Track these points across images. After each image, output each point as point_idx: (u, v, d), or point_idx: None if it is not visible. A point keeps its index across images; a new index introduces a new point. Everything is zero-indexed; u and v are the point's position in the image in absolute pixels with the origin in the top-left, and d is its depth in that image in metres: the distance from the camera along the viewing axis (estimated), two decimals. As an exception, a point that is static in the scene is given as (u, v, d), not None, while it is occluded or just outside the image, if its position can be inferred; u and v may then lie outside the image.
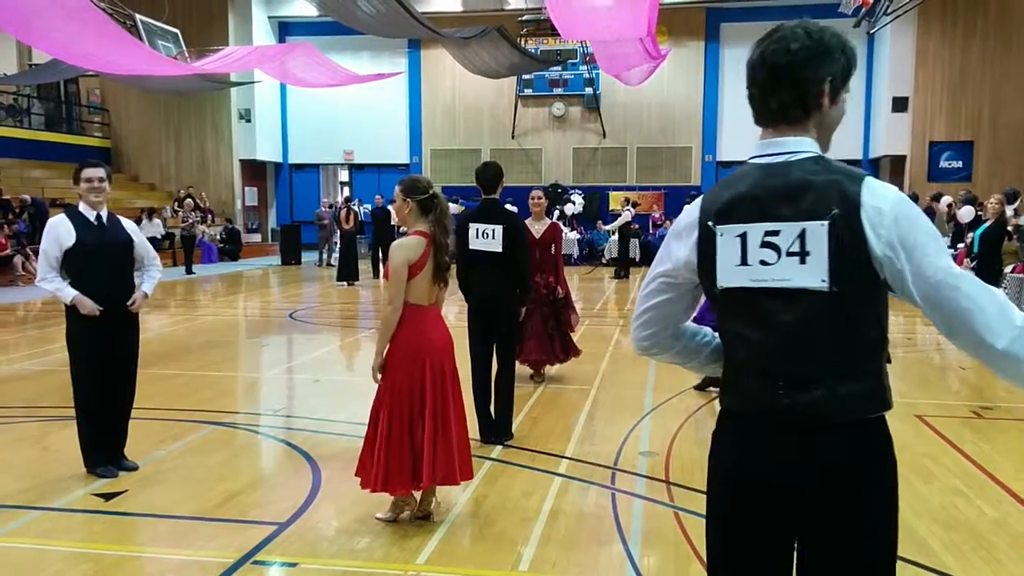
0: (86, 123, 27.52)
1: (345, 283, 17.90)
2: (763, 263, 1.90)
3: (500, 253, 5.95)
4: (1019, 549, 4.20)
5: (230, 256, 24.11)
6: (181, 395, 7.52)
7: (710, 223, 1.97)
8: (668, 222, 23.22)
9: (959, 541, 4.29)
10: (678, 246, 2.05)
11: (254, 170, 27.70)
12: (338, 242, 19.38)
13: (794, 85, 1.92)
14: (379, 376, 4.40)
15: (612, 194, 25.85)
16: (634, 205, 20.99)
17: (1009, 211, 14.66)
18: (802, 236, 1.86)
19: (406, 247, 4.35)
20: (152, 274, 5.56)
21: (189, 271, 20.27)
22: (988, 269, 10.30)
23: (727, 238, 1.94)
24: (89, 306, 5.11)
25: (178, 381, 8.13)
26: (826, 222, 1.83)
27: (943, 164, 23.02)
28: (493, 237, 5.95)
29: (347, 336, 11.67)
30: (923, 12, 21.75)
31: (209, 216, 24.79)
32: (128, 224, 5.50)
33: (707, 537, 2.10)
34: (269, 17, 26.98)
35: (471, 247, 5.99)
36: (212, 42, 21.70)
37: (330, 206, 23.48)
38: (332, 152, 28.08)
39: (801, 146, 1.94)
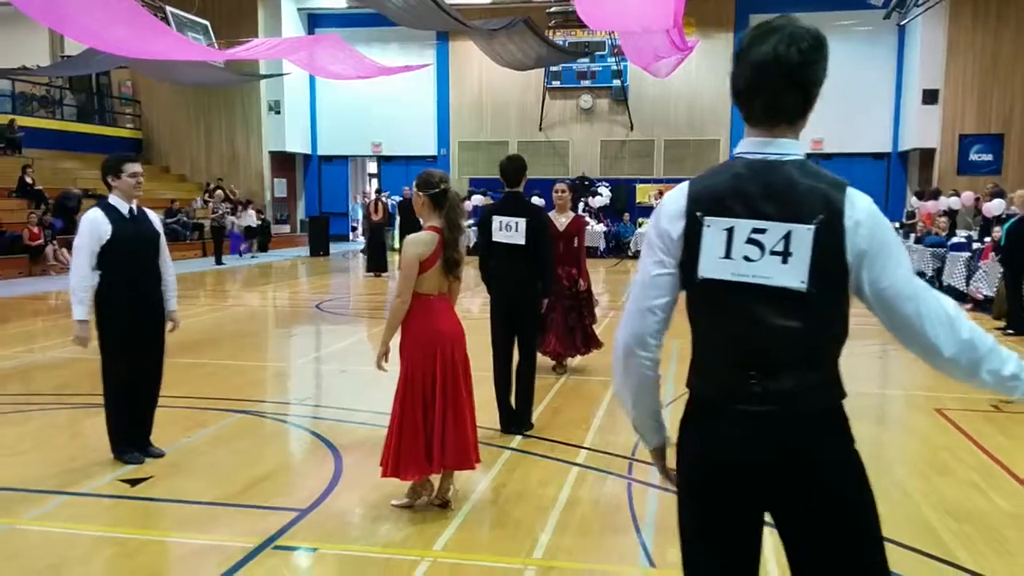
0: (118, 114, 27.91)
1: (373, 274, 18.04)
2: (746, 259, 1.97)
3: (523, 246, 5.99)
4: (1033, 544, 4.20)
5: (260, 247, 24.34)
6: (208, 384, 7.66)
7: (698, 213, 2.02)
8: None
9: (971, 533, 4.30)
10: (670, 229, 2.06)
11: (283, 162, 27.93)
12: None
13: (804, 85, 1.97)
14: (384, 365, 4.53)
15: (639, 187, 25.79)
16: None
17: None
18: (787, 237, 1.94)
19: (418, 243, 4.43)
20: (170, 282, 5.55)
21: (219, 262, 20.50)
22: (1015, 264, 10.20)
23: (714, 230, 2.00)
24: (82, 337, 5.24)
25: (206, 370, 8.27)
26: (812, 227, 1.91)
27: (973, 157, 22.68)
28: (516, 230, 6.00)
29: (374, 327, 11.77)
30: (954, 3, 21.46)
31: (239, 207, 25.04)
32: (153, 216, 5.60)
33: (680, 521, 2.17)
34: (298, 9, 27.15)
35: (494, 239, 6.05)
36: (241, 34, 21.88)
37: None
38: (361, 144, 28.25)
39: (791, 148, 2.00)
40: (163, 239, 5.59)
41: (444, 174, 4.70)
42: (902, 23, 19.90)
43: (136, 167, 5.39)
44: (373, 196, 20.02)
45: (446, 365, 4.51)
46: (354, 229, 29.05)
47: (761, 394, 1.97)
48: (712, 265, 2.00)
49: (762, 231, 1.95)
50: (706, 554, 2.12)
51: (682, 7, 10.97)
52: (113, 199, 5.34)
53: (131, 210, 5.38)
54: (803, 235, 1.92)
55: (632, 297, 2.17)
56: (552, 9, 22.80)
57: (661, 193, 21.09)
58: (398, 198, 22.09)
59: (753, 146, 2.03)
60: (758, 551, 2.12)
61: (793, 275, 1.93)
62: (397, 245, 21.85)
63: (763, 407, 1.97)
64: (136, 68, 20.83)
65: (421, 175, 4.66)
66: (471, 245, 6.18)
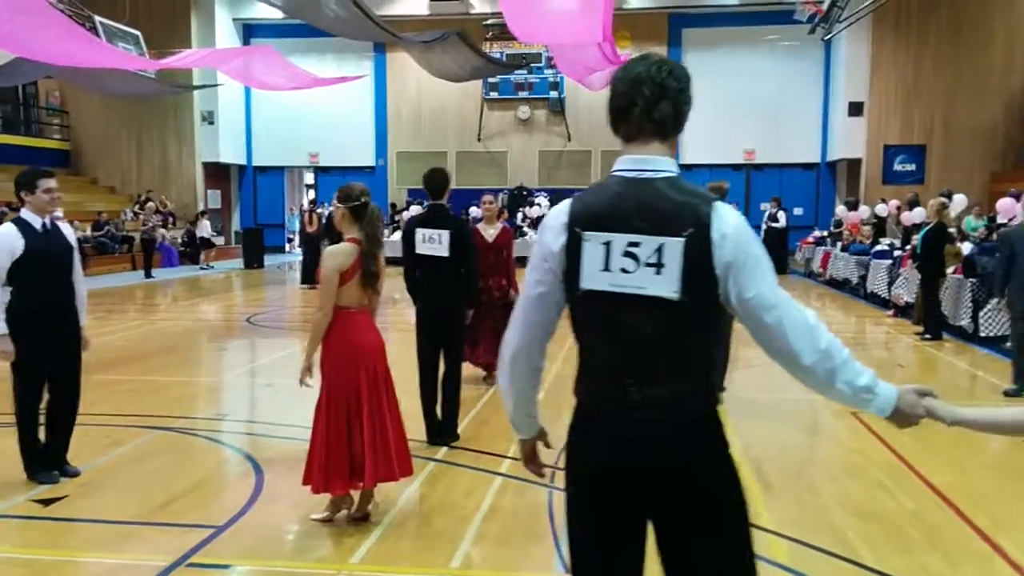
0: (45, 125, 27.21)
1: (308, 286, 17.89)
2: (623, 271, 2.07)
3: (447, 258, 6.04)
4: (931, 539, 4.38)
5: (191, 260, 23.92)
6: (130, 401, 7.52)
7: (578, 229, 2.12)
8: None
9: (874, 532, 4.47)
10: (552, 244, 2.16)
11: (217, 173, 27.52)
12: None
13: (675, 103, 2.12)
14: (308, 380, 4.52)
15: (576, 197, 26.00)
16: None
17: (954, 212, 15.00)
18: (660, 249, 2.04)
19: (338, 254, 4.46)
20: (81, 298, 5.46)
21: (148, 275, 20.11)
22: (930, 270, 10.57)
23: (593, 244, 2.10)
24: (6, 351, 5.12)
25: (128, 387, 8.12)
26: (682, 239, 2.02)
27: (897, 167, 23.45)
28: (440, 242, 6.04)
29: (305, 339, 11.65)
30: (877, 19, 22.16)
31: (171, 219, 24.61)
32: (67, 230, 5.52)
33: (568, 523, 2.25)
34: (233, 19, 26.83)
35: (418, 251, 6.08)
36: (174, 44, 21.52)
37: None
38: (297, 155, 28.00)
39: (665, 165, 2.12)
40: (76, 253, 5.51)
41: (365, 187, 4.73)
42: (826, 38, 20.46)
43: (50, 183, 5.30)
44: (308, 207, 19.88)
45: (370, 380, 4.53)
46: (290, 240, 28.79)
47: (638, 401, 2.07)
48: (592, 277, 2.10)
49: (637, 244, 2.06)
50: (592, 557, 2.21)
51: (611, 21, 11.13)
52: (26, 214, 5.26)
53: (44, 225, 5.29)
54: (674, 247, 2.02)
55: (518, 309, 2.26)
56: (489, 21, 22.92)
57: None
58: (330, 209, 22.03)
59: (629, 163, 2.14)
60: (642, 556, 2.20)
61: (666, 285, 2.03)
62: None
63: (640, 414, 2.07)
64: (64, 79, 20.37)
65: (342, 188, 4.70)
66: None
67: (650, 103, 2.10)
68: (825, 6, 17.81)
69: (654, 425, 2.06)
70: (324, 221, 21.42)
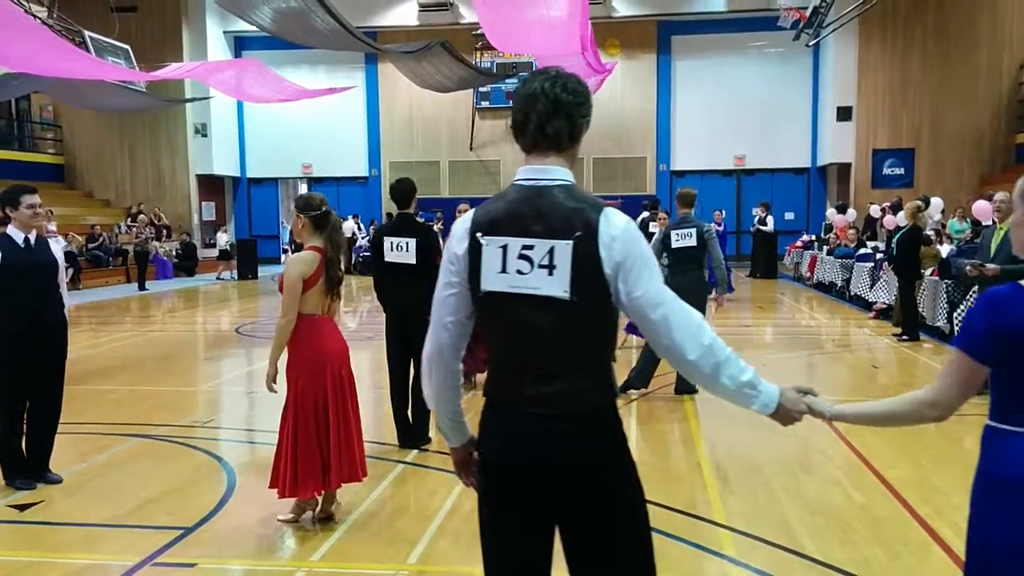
0: (39, 140, 27.39)
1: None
2: (519, 272, 2.20)
3: (414, 265, 6.19)
4: (875, 531, 4.51)
5: (186, 272, 24.09)
6: (114, 409, 7.67)
7: (478, 234, 2.25)
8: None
9: (821, 524, 4.61)
10: (456, 249, 2.29)
11: (211, 185, 27.68)
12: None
13: (569, 117, 2.24)
14: (274, 385, 4.65)
15: (568, 204, 26.09)
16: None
17: (937, 215, 15.16)
18: (551, 252, 2.17)
19: (301, 262, 4.60)
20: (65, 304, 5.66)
21: (142, 287, 20.26)
22: (905, 272, 10.72)
23: (491, 248, 2.23)
24: None
25: (113, 396, 8.27)
26: (571, 242, 2.15)
27: (886, 171, 23.59)
28: (407, 250, 6.20)
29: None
30: (864, 24, 22.32)
31: (165, 232, 24.78)
32: (55, 246, 5.68)
33: (479, 516, 2.37)
34: (224, 32, 27.00)
35: (386, 260, 6.24)
36: (166, 58, 21.72)
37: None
38: (290, 166, 28.15)
39: (559, 175, 2.24)
40: (61, 269, 5.66)
41: (323, 196, 4.89)
42: (810, 44, 20.64)
43: (33, 199, 5.44)
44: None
45: (336, 384, 4.68)
46: (285, 251, 28.96)
47: (535, 397, 2.20)
48: (492, 279, 2.23)
49: (530, 247, 2.19)
50: (497, 550, 2.33)
51: (589, 31, 11.31)
52: (11, 229, 5.41)
53: (27, 239, 5.42)
54: (563, 249, 2.15)
55: (432, 313, 2.38)
56: (478, 31, 23.10)
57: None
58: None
59: (527, 173, 2.28)
60: (547, 553, 2.31)
61: (557, 285, 2.16)
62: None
63: (538, 409, 2.19)
64: (56, 95, 20.52)
65: (301, 198, 4.85)
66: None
67: (544, 118, 2.22)
68: (808, 12, 17.98)
69: (550, 420, 2.17)
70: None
